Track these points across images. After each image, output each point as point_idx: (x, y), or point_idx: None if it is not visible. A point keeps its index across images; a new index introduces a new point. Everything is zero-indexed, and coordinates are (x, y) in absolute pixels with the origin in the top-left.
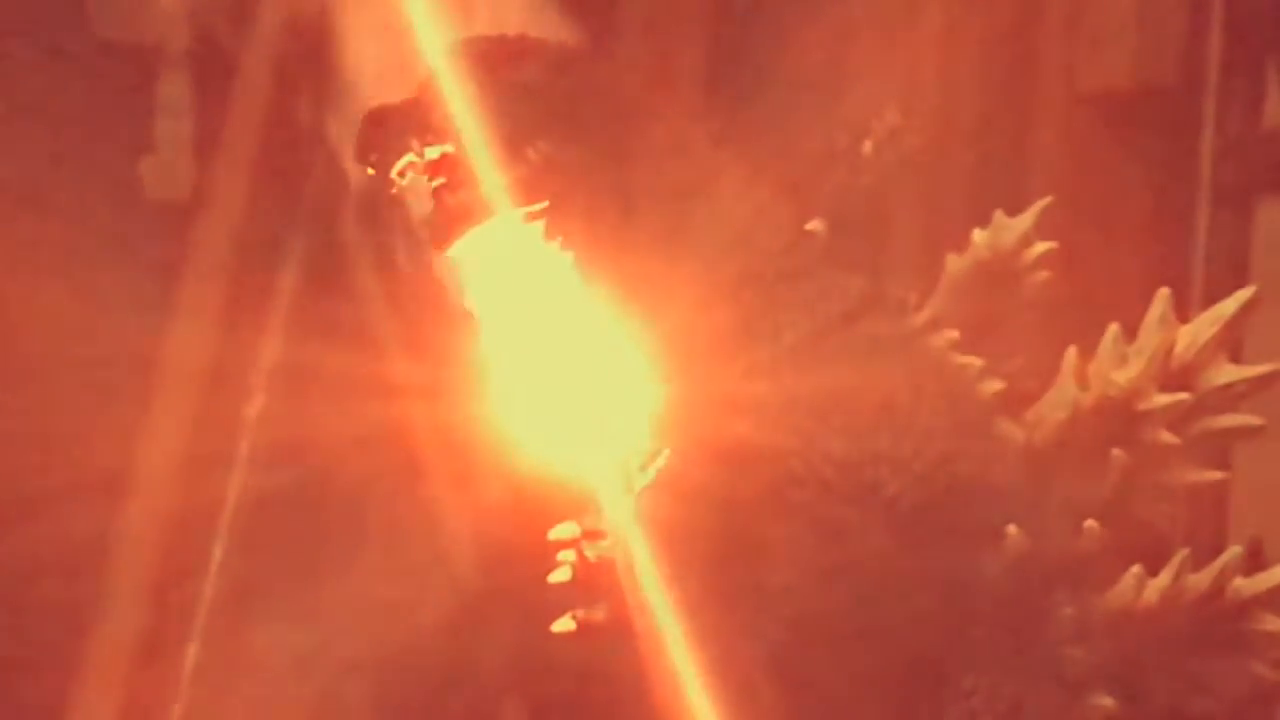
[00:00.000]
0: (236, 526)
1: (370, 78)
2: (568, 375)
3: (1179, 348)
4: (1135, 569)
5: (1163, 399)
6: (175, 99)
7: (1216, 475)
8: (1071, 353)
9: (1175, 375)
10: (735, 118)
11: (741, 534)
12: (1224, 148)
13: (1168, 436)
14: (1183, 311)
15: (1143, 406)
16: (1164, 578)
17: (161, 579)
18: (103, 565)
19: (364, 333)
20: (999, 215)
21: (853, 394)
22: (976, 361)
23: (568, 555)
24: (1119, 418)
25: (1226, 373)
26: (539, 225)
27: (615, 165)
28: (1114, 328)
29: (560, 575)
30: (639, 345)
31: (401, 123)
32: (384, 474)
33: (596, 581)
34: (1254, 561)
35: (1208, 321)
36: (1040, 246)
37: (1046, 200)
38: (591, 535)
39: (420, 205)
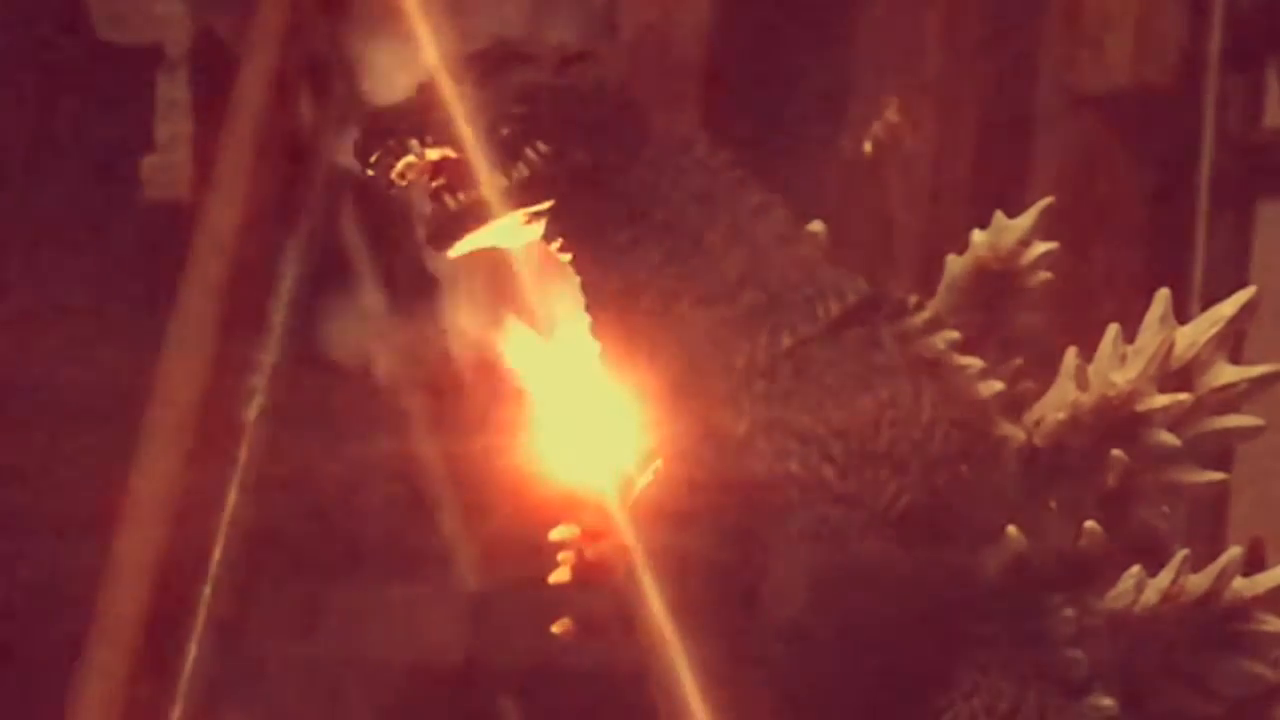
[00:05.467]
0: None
1: (370, 78)
2: (568, 386)
3: (1178, 348)
4: (1135, 569)
5: (1162, 399)
6: (175, 99)
7: (1216, 475)
8: (1071, 353)
9: (1175, 376)
10: (736, 119)
11: (740, 536)
12: (1224, 148)
13: (1167, 437)
14: (1183, 311)
15: (1142, 407)
16: (1164, 578)
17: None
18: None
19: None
20: (999, 215)
21: (852, 395)
22: (976, 361)
23: (568, 556)
24: (1118, 418)
25: (1226, 373)
26: (539, 227)
27: (618, 166)
28: (1114, 328)
29: (560, 575)
30: (636, 349)
31: (401, 124)
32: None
33: (596, 582)
34: (1254, 562)
35: (1207, 322)
36: (1040, 246)
37: (1047, 200)
38: (591, 535)
39: (420, 207)
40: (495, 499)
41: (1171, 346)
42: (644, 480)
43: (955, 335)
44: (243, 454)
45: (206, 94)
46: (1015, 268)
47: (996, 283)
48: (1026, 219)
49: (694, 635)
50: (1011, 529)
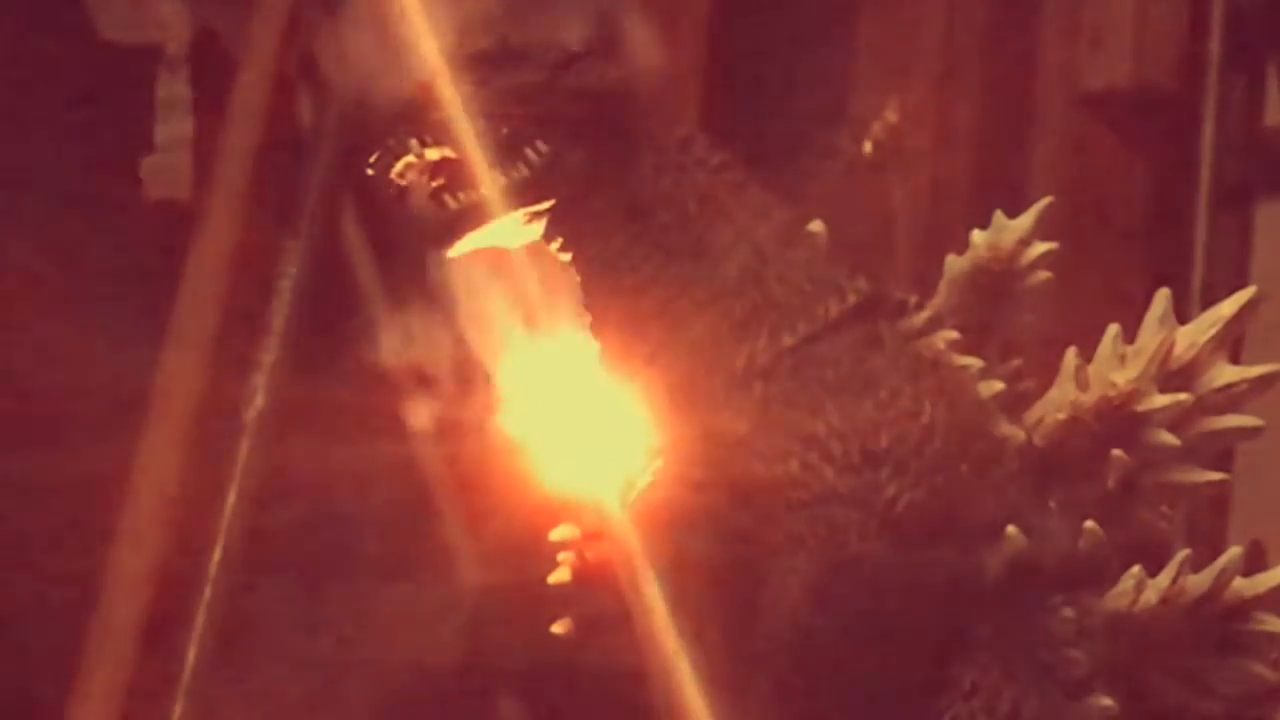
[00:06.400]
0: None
1: (370, 78)
2: (569, 387)
3: (1178, 348)
4: (1135, 570)
5: (1162, 400)
6: (175, 99)
7: (1216, 475)
8: (1071, 353)
9: (1175, 376)
10: (736, 118)
11: (740, 537)
12: (1224, 148)
13: (1167, 437)
14: (1183, 311)
15: (1142, 407)
16: (1164, 578)
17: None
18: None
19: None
20: (999, 215)
21: (852, 395)
22: (976, 361)
23: (568, 556)
24: (1118, 418)
25: (1226, 373)
26: (539, 227)
27: (618, 166)
28: (1114, 328)
29: (560, 575)
30: (636, 349)
31: (401, 124)
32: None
33: (596, 582)
34: (1254, 562)
35: (1208, 321)
36: (1040, 246)
37: (1047, 200)
38: (592, 536)
39: (420, 207)
40: (496, 500)
41: (1171, 346)
42: (644, 481)
43: (955, 335)
44: (242, 454)
45: (206, 94)
46: (1015, 268)
47: (996, 283)
48: (1026, 219)
49: (694, 635)
50: (1011, 529)
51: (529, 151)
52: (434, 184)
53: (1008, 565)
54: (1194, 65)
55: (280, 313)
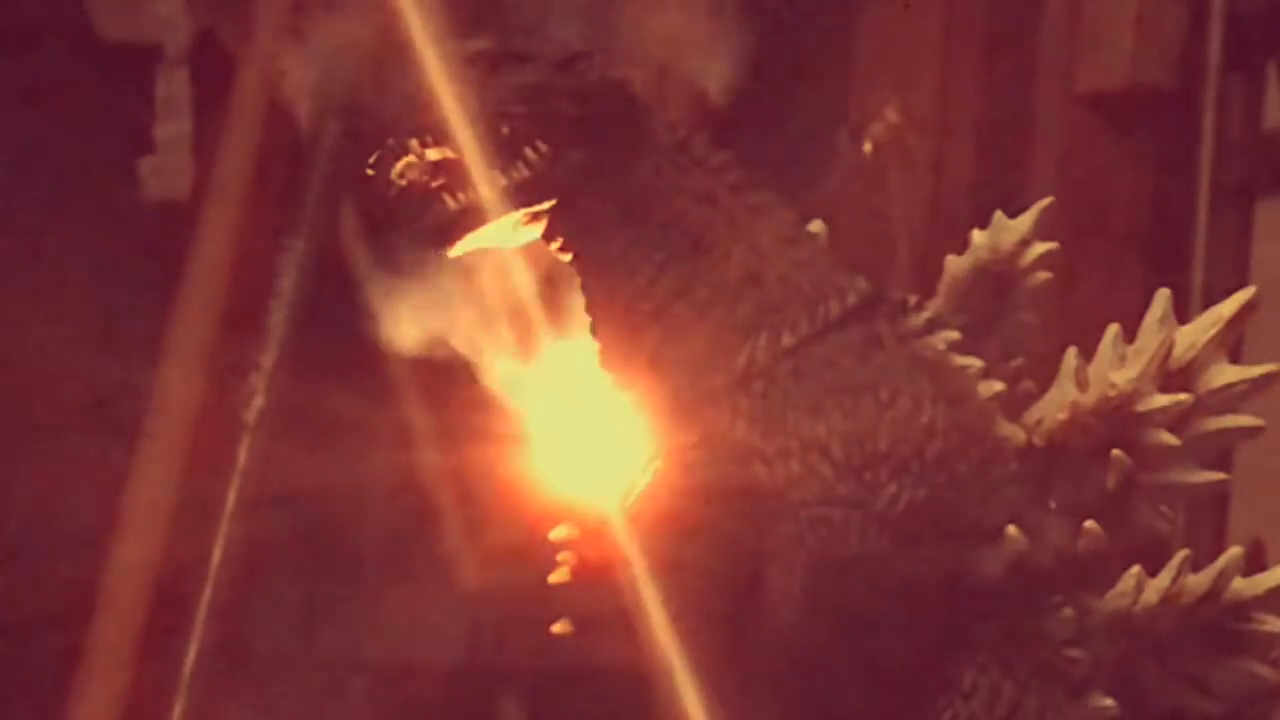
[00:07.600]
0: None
1: (372, 79)
2: (569, 388)
3: (1178, 348)
4: (1135, 570)
5: (1162, 400)
6: (175, 99)
7: (1216, 476)
8: (1071, 353)
9: (1175, 376)
10: (736, 119)
11: (738, 538)
12: (1224, 148)
13: (1167, 437)
14: (1183, 312)
15: (1142, 407)
16: (1163, 579)
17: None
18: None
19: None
20: (999, 215)
21: (852, 395)
22: (976, 362)
23: (568, 556)
24: (1118, 418)
25: (1226, 373)
26: (540, 227)
27: (617, 167)
28: (1114, 328)
29: (560, 576)
30: (637, 348)
31: (402, 124)
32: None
33: (596, 583)
34: (1254, 562)
35: (1208, 322)
36: (1040, 247)
37: (1047, 200)
38: (592, 537)
39: (420, 207)
40: (497, 501)
41: (1171, 346)
42: (644, 482)
43: (955, 335)
44: (242, 456)
45: (206, 94)
46: (1015, 268)
47: (996, 283)
48: (1026, 219)
49: (693, 635)
50: (1011, 529)
51: (529, 151)
52: (434, 184)
53: (1008, 565)
54: (1194, 65)
55: (280, 313)
